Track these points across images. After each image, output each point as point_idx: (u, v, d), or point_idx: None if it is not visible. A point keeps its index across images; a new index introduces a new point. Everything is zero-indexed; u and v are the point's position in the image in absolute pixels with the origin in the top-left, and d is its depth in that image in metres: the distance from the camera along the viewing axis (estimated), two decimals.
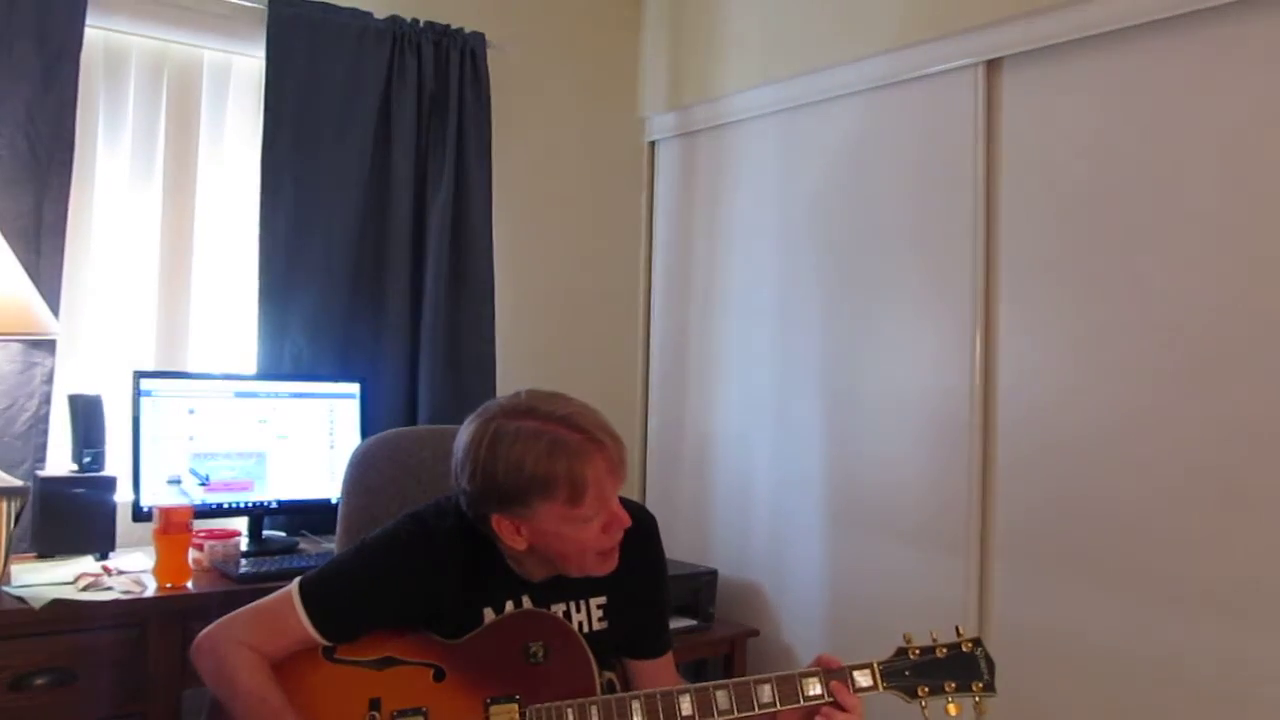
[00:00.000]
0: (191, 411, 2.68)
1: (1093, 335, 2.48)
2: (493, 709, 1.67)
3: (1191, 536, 2.29)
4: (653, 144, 3.82)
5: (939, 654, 1.69)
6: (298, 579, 1.72)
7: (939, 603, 2.74)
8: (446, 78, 3.24)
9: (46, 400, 2.62)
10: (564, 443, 1.62)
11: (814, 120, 3.18)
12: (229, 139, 3.10)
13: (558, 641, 1.73)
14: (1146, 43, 2.40)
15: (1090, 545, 2.46)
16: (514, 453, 1.62)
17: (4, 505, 2.14)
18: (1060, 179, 2.56)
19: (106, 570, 2.39)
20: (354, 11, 3.11)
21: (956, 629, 1.74)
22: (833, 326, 3.09)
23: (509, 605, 1.77)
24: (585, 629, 1.80)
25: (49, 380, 2.63)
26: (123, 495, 2.56)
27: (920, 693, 1.66)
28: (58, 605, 2.17)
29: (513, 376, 3.33)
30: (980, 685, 1.68)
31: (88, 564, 2.44)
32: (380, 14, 3.15)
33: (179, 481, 2.65)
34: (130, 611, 2.26)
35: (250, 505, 2.77)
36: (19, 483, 2.28)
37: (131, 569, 2.43)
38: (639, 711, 1.65)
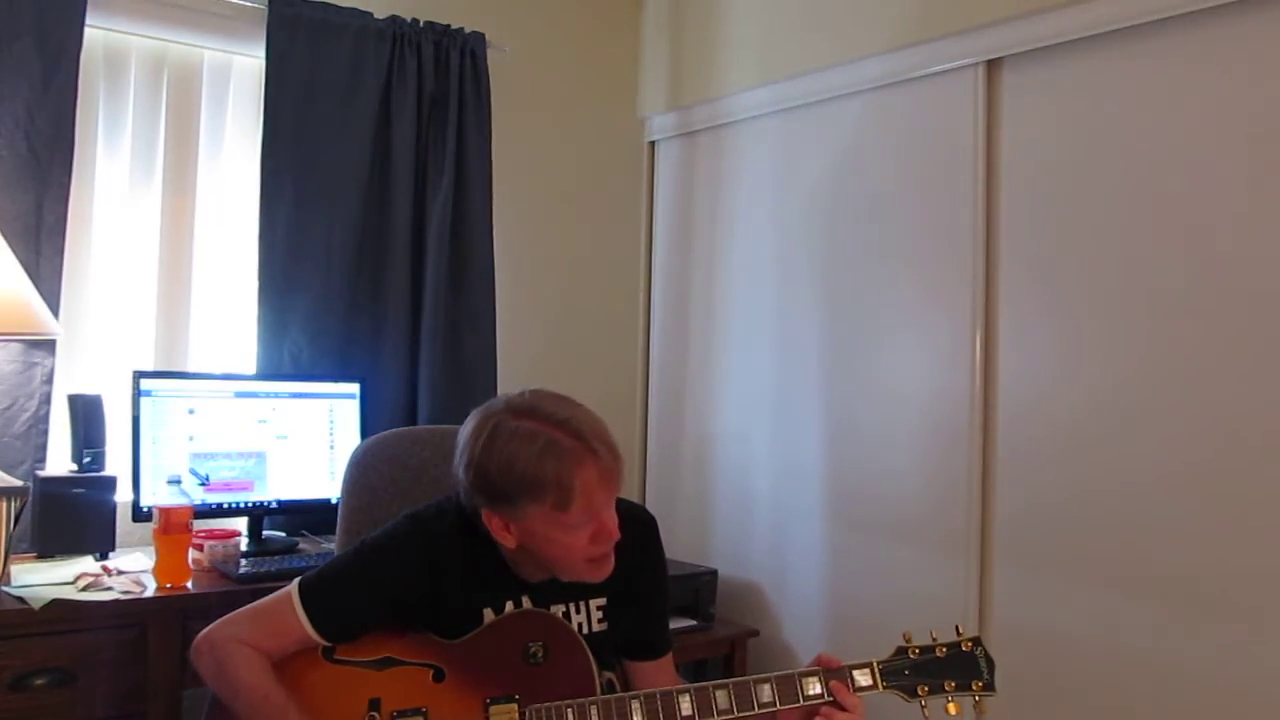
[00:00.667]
0: (191, 411, 2.68)
1: (1092, 335, 2.48)
2: (492, 709, 1.68)
3: (1191, 536, 2.29)
4: (653, 144, 3.82)
5: (939, 653, 1.69)
6: (297, 579, 1.72)
7: (939, 602, 2.74)
8: (446, 78, 3.24)
9: (46, 400, 2.62)
10: (558, 446, 1.61)
11: (814, 120, 3.18)
12: (229, 139, 3.10)
13: (557, 642, 1.73)
14: (1146, 43, 2.40)
15: (1090, 545, 2.46)
16: (508, 451, 1.62)
17: (4, 505, 2.15)
18: (1060, 179, 2.56)
19: (106, 570, 2.39)
20: (354, 11, 3.11)
21: (956, 628, 1.74)
22: (833, 326, 3.09)
23: (509, 605, 1.77)
24: (585, 630, 1.80)
25: (49, 380, 2.63)
26: (123, 495, 2.56)
27: (920, 692, 1.67)
28: (58, 605, 2.17)
29: (513, 376, 3.33)
30: (980, 684, 1.68)
31: (88, 564, 2.44)
32: (380, 14, 3.15)
33: (179, 481, 2.65)
34: (130, 611, 2.26)
35: (250, 505, 2.77)
36: (19, 483, 2.29)
37: (131, 569, 2.43)
38: (639, 711, 1.65)
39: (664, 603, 1.96)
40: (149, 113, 2.97)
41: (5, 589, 2.21)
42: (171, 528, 2.37)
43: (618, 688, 1.83)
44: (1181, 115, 2.34)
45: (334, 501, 2.19)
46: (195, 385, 2.73)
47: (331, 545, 2.36)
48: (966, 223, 2.72)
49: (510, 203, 3.45)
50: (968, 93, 2.73)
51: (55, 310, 2.58)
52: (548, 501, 1.61)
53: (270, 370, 2.97)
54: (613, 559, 1.72)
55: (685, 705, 1.65)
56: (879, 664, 1.69)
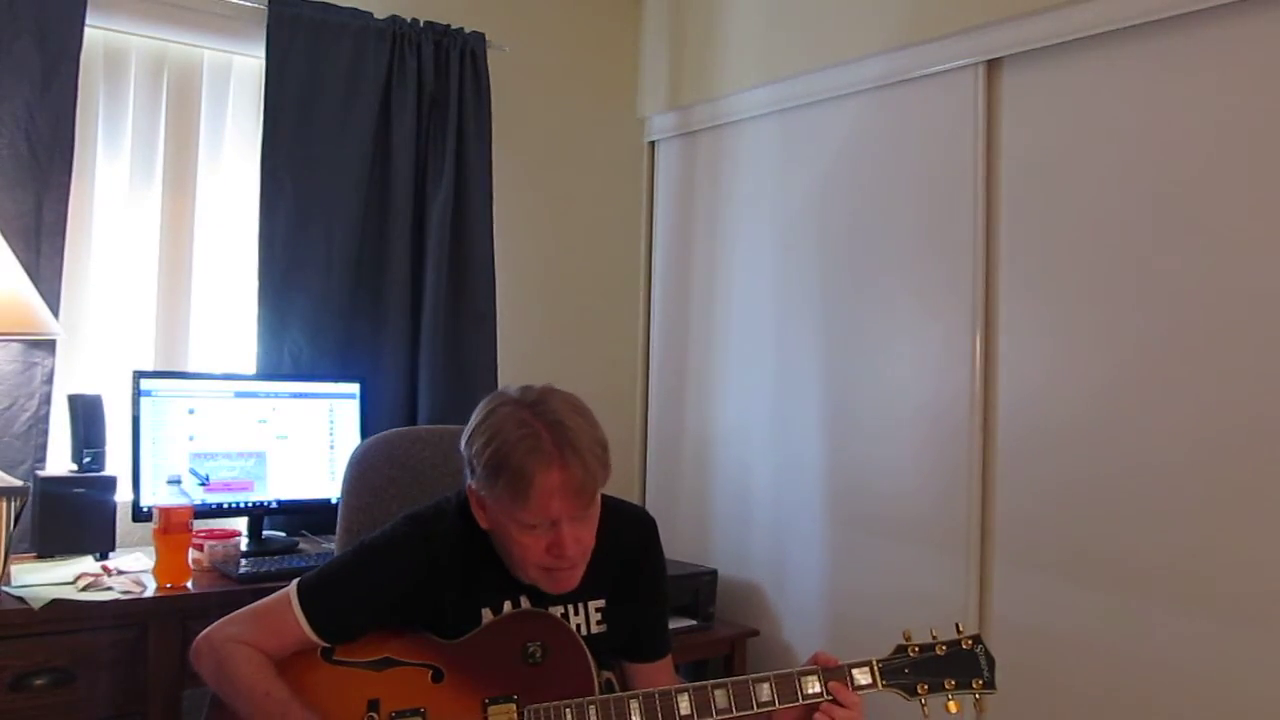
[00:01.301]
0: (191, 411, 2.68)
1: (1092, 335, 2.48)
2: (491, 709, 1.68)
3: (1191, 536, 2.29)
4: (653, 144, 3.82)
5: (939, 651, 1.69)
6: (296, 580, 1.72)
7: (939, 602, 2.74)
8: (446, 78, 3.24)
9: (46, 400, 2.62)
10: (534, 443, 1.61)
11: (814, 120, 3.18)
12: (229, 139, 3.10)
13: (556, 642, 1.73)
14: (1146, 43, 2.40)
15: (1090, 544, 2.46)
16: (495, 429, 1.64)
17: (4, 505, 2.15)
18: (1060, 179, 2.56)
19: (106, 570, 2.39)
20: (354, 11, 3.11)
21: (957, 626, 1.74)
22: (832, 326, 3.09)
23: (507, 606, 1.77)
24: (584, 632, 1.80)
25: (49, 380, 2.63)
26: (123, 495, 2.56)
27: (920, 690, 1.67)
28: (58, 605, 2.17)
29: (513, 376, 3.32)
30: (980, 683, 1.68)
31: (88, 564, 2.44)
32: (380, 14, 3.15)
33: (179, 481, 2.65)
34: (130, 611, 2.26)
35: (250, 505, 2.77)
36: (19, 483, 2.29)
37: (131, 569, 2.43)
38: (637, 711, 1.65)
39: (663, 604, 1.96)
40: (149, 113, 2.97)
41: (5, 589, 2.21)
42: (171, 528, 2.37)
43: (616, 687, 1.83)
44: (1181, 115, 2.34)
45: (334, 501, 2.19)
46: (195, 385, 2.72)
47: (331, 545, 2.36)
48: (966, 223, 2.72)
49: (510, 203, 3.45)
50: (968, 93, 2.73)
51: (55, 310, 2.58)
52: (503, 489, 1.62)
53: (270, 370, 2.97)
54: (574, 577, 1.71)
55: (684, 705, 1.65)
56: (879, 662, 1.69)
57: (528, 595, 1.78)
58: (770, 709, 1.66)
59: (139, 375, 2.63)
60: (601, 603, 1.84)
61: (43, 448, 2.61)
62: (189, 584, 2.39)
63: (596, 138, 3.74)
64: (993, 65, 2.70)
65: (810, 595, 3.13)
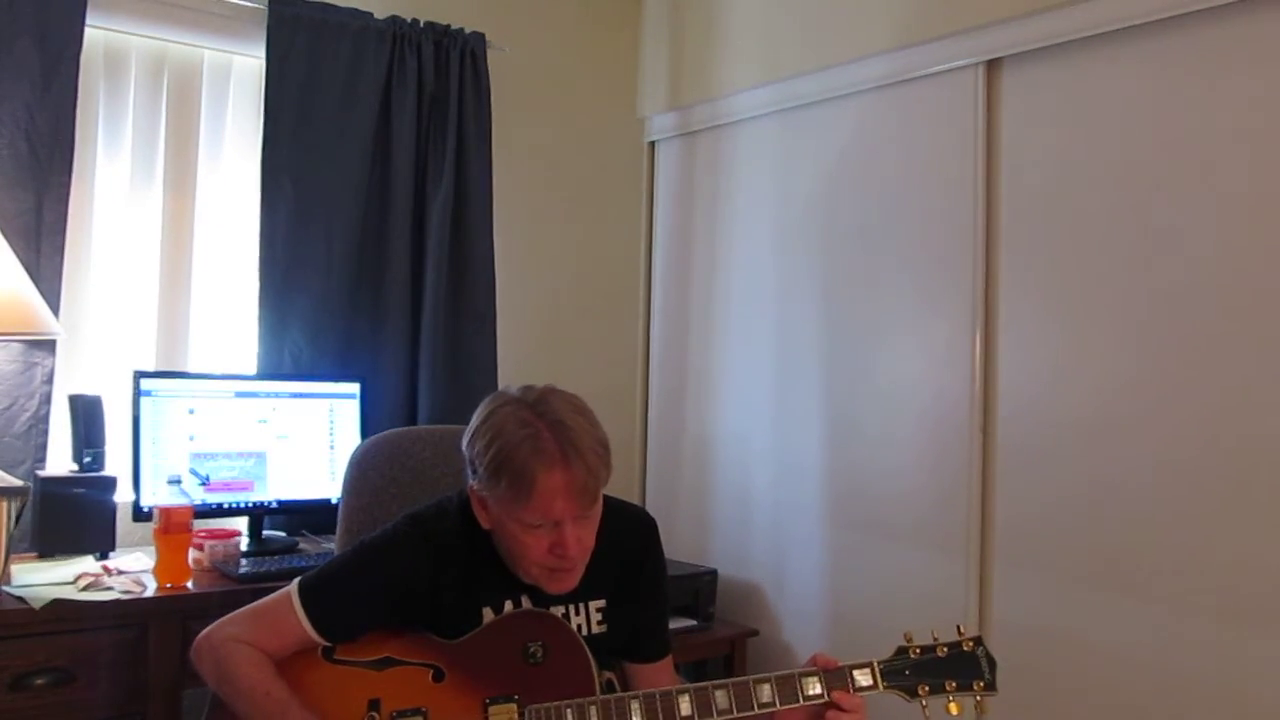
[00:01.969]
0: (191, 411, 2.68)
1: (1092, 335, 2.48)
2: (492, 709, 1.67)
3: (1191, 536, 2.29)
4: (653, 144, 3.82)
5: (940, 653, 1.69)
6: (297, 579, 1.72)
7: (939, 602, 2.74)
8: (446, 78, 3.24)
9: (46, 400, 2.62)
10: (536, 443, 1.62)
11: (814, 120, 3.18)
12: (229, 139, 3.10)
13: (557, 641, 1.73)
14: (1146, 43, 2.40)
15: (1089, 544, 2.46)
16: (497, 428, 1.64)
17: (4, 505, 2.15)
18: (1060, 179, 2.56)
19: (106, 570, 2.39)
20: (354, 11, 3.11)
21: (958, 628, 1.74)
22: (832, 326, 3.09)
23: (508, 605, 1.77)
24: (584, 632, 1.80)
25: (49, 380, 2.63)
26: (123, 495, 2.56)
27: (921, 692, 1.66)
28: (58, 605, 2.17)
29: (513, 376, 3.33)
30: (982, 684, 1.68)
31: (88, 564, 2.44)
32: (380, 14, 3.15)
33: (179, 481, 2.65)
34: (130, 611, 2.26)
35: (250, 505, 2.77)
36: (19, 483, 2.29)
37: (131, 569, 2.43)
38: (638, 711, 1.65)
39: (664, 605, 1.96)
40: (149, 113, 2.97)
41: (5, 589, 2.21)
42: (172, 528, 2.38)
43: (617, 688, 1.84)
44: (1181, 115, 2.34)
45: (334, 501, 2.19)
46: (195, 385, 2.72)
47: (331, 545, 2.36)
48: (966, 223, 2.72)
49: (510, 203, 3.45)
50: (968, 93, 2.73)
51: (55, 310, 2.58)
52: (505, 489, 1.62)
53: (270, 370, 2.97)
54: (574, 576, 1.71)
55: (685, 705, 1.65)
56: (880, 664, 1.69)
57: (529, 595, 1.78)
58: (771, 710, 1.66)
59: (139, 375, 2.63)
60: (602, 603, 1.84)
61: (43, 448, 2.61)
62: (189, 584, 2.39)
63: (596, 138, 3.74)
64: (993, 65, 2.70)
65: (810, 595, 3.13)
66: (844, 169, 3.07)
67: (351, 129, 3.09)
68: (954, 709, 1.65)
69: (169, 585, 2.35)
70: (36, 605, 2.14)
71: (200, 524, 2.58)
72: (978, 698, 1.68)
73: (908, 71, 2.87)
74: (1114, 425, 2.43)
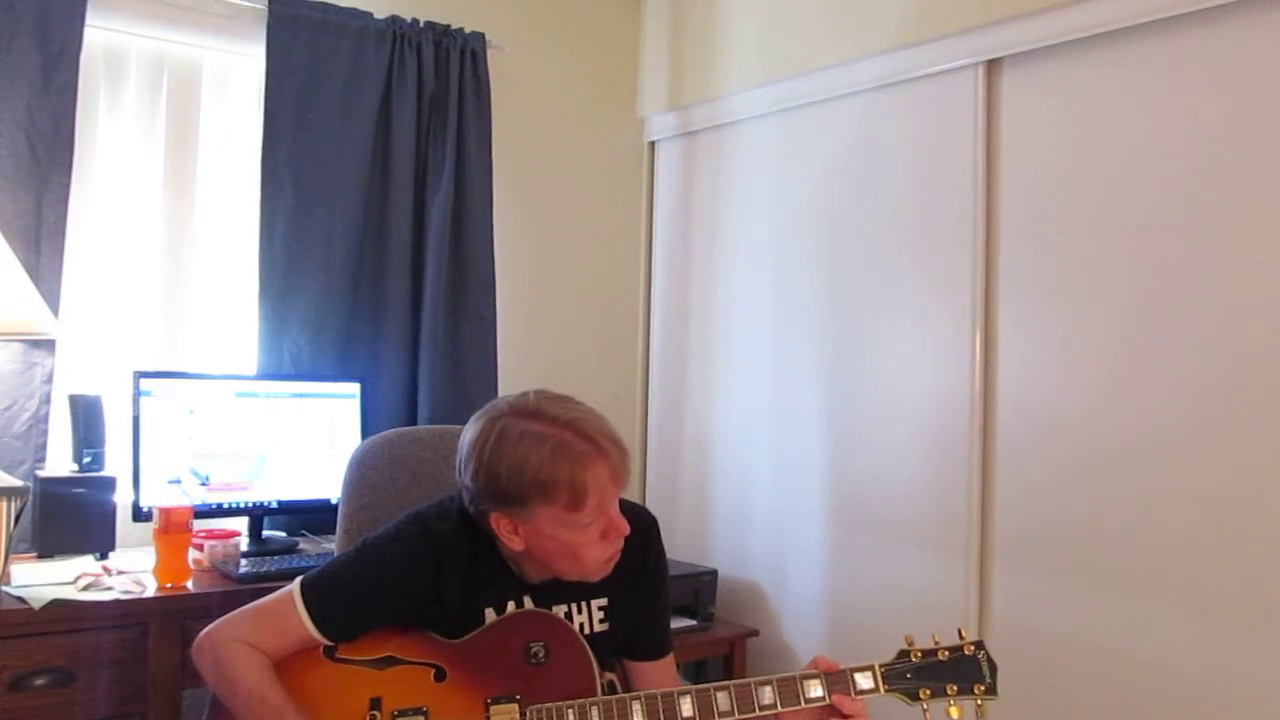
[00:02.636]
0: (191, 412, 2.68)
1: (1092, 335, 2.48)
2: (493, 709, 1.67)
3: (1191, 537, 2.29)
4: (653, 144, 3.82)
5: (941, 656, 1.69)
6: (299, 578, 1.72)
7: (939, 603, 2.74)
8: (446, 78, 3.24)
9: (46, 400, 2.62)
10: (568, 447, 1.62)
11: (814, 120, 3.18)
12: (229, 139, 3.09)
13: (559, 642, 1.73)
14: (1146, 43, 2.40)
15: (1090, 546, 2.46)
16: (518, 454, 1.62)
17: (4, 505, 2.14)
18: (1060, 179, 2.56)
19: (106, 570, 2.40)
20: (354, 11, 3.11)
21: (959, 631, 1.74)
22: (832, 326, 3.09)
23: (510, 605, 1.77)
24: (586, 631, 1.80)
25: (49, 380, 2.62)
26: (123, 495, 2.56)
27: (922, 695, 1.66)
28: (58, 605, 2.17)
29: (513, 376, 3.33)
30: (982, 688, 1.68)
31: (88, 564, 2.44)
32: (380, 14, 3.15)
33: (179, 481, 2.65)
34: (130, 611, 2.26)
35: (250, 505, 2.77)
36: (19, 483, 2.28)
37: (131, 569, 2.43)
38: (640, 712, 1.65)
39: (665, 603, 1.96)
40: (149, 113, 2.97)
41: (5, 589, 2.21)
42: (171, 528, 2.37)
43: (619, 689, 1.84)
44: (1181, 115, 2.34)
45: (334, 501, 2.19)
46: (195, 385, 2.72)
47: (331, 545, 2.36)
48: (966, 222, 2.72)
49: (510, 203, 3.45)
50: (968, 93, 2.73)
51: (55, 310, 2.57)
52: (560, 503, 1.62)
53: (270, 370, 2.97)
54: (617, 556, 1.73)
55: (686, 707, 1.65)
56: (881, 667, 1.69)
57: (530, 595, 1.78)
58: (772, 712, 1.66)
59: (139, 375, 2.63)
60: (604, 601, 1.84)
61: (43, 448, 2.61)
62: (189, 584, 2.39)
63: (596, 138, 3.74)
64: (993, 65, 2.70)
65: (810, 595, 3.13)
66: (844, 169, 3.07)
67: (351, 129, 3.09)
68: (955, 713, 1.65)
69: (169, 585, 2.35)
70: (36, 605, 2.14)
71: (200, 524, 2.58)
72: (979, 702, 1.68)
73: (908, 71, 2.88)
74: (1114, 425, 2.43)
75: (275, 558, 2.62)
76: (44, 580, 2.29)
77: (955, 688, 1.67)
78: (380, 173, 3.15)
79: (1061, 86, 2.56)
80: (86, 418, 2.55)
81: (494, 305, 3.32)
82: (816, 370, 3.13)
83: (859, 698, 1.66)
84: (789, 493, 3.20)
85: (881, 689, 1.67)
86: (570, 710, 1.66)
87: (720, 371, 3.49)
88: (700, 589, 3.18)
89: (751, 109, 3.37)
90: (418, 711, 1.67)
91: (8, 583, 2.24)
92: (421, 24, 3.21)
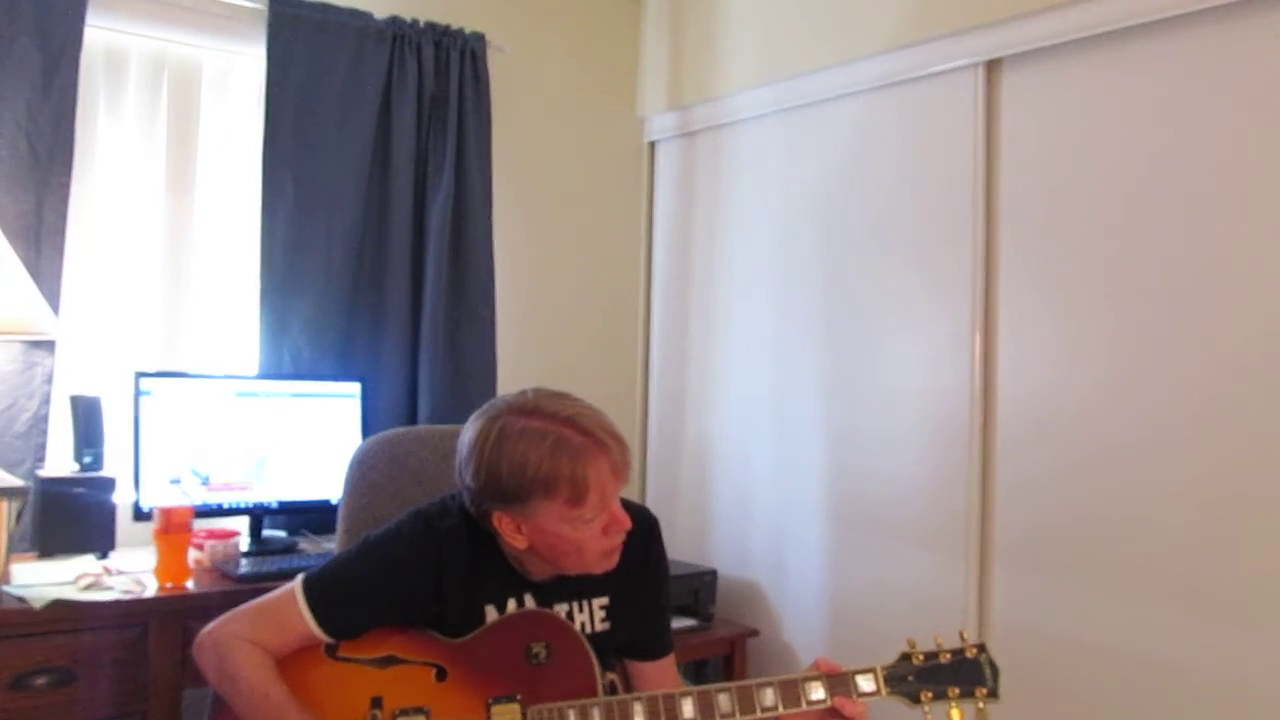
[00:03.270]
0: (192, 412, 2.68)
1: (1092, 335, 2.48)
2: (494, 709, 1.67)
3: (1191, 535, 2.29)
4: (653, 144, 3.82)
5: (943, 659, 1.69)
6: (301, 575, 1.72)
7: (939, 604, 2.74)
8: (446, 78, 3.24)
9: (46, 400, 2.62)
10: (568, 443, 1.62)
11: (814, 120, 3.18)
12: (229, 139, 3.09)
13: (560, 642, 1.73)
14: (1147, 43, 2.40)
15: (1090, 547, 2.46)
16: (518, 451, 1.62)
17: (4, 505, 2.15)
18: (1060, 179, 2.56)
19: (107, 570, 2.40)
20: (354, 12, 3.11)
21: (961, 634, 1.74)
22: (832, 326, 3.09)
23: (511, 605, 1.77)
24: (587, 630, 1.80)
25: (49, 380, 2.62)
26: (123, 495, 2.56)
27: (924, 698, 1.66)
28: (58, 605, 2.17)
29: (513, 376, 3.33)
30: (984, 691, 1.68)
31: (88, 564, 2.44)
32: (380, 14, 3.15)
33: (179, 481, 2.65)
34: (130, 611, 2.26)
35: (250, 505, 2.77)
36: (19, 483, 2.29)
37: (131, 569, 2.43)
38: (641, 713, 1.65)
39: (666, 603, 1.96)
40: (149, 113, 2.97)
41: (5, 589, 2.21)
42: (172, 528, 2.38)
43: (620, 689, 1.84)
44: (1181, 115, 2.34)
45: (334, 502, 2.19)
46: (195, 385, 2.72)
47: (331, 545, 2.36)
48: (966, 223, 2.72)
49: (510, 203, 3.45)
50: (968, 93, 2.73)
51: (55, 310, 2.57)
52: (561, 498, 1.62)
53: (270, 370, 2.97)
54: (621, 549, 1.73)
55: (688, 708, 1.65)
56: (883, 669, 1.68)
57: (532, 594, 1.78)
58: (774, 714, 1.66)
59: (139, 375, 2.63)
60: (605, 600, 1.84)
61: (43, 448, 2.61)
62: (189, 584, 2.39)
63: (596, 138, 3.74)
64: (993, 65, 2.70)
65: (810, 595, 3.13)
66: (844, 169, 3.07)
67: (351, 129, 3.09)
68: (956, 715, 1.65)
69: (169, 585, 2.35)
70: (36, 605, 2.14)
71: (200, 524, 2.59)
72: (980, 705, 1.68)
73: (908, 71, 2.88)
74: (1114, 424, 2.43)
75: (275, 558, 2.62)
76: (44, 580, 2.29)
77: (957, 690, 1.67)
78: (380, 173, 3.15)
79: (1061, 86, 2.57)
80: (86, 418, 2.55)
81: (494, 305, 3.32)
82: (816, 370, 3.13)
83: (861, 700, 1.66)
84: (789, 492, 3.20)
85: (883, 691, 1.67)
86: (571, 710, 1.66)
87: (720, 371, 3.49)
88: (700, 589, 3.18)
89: (751, 109, 3.37)
90: (419, 711, 1.67)
91: (8, 583, 2.24)
92: (421, 24, 3.21)
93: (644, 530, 1.87)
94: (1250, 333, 2.22)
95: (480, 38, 3.32)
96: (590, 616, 1.82)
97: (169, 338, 2.99)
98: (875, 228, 2.98)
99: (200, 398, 2.70)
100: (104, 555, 2.51)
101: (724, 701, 1.65)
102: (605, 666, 1.78)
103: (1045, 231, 2.58)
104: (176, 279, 3.01)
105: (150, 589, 2.33)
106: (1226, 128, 2.27)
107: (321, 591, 1.70)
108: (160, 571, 2.37)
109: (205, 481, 2.68)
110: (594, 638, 1.78)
